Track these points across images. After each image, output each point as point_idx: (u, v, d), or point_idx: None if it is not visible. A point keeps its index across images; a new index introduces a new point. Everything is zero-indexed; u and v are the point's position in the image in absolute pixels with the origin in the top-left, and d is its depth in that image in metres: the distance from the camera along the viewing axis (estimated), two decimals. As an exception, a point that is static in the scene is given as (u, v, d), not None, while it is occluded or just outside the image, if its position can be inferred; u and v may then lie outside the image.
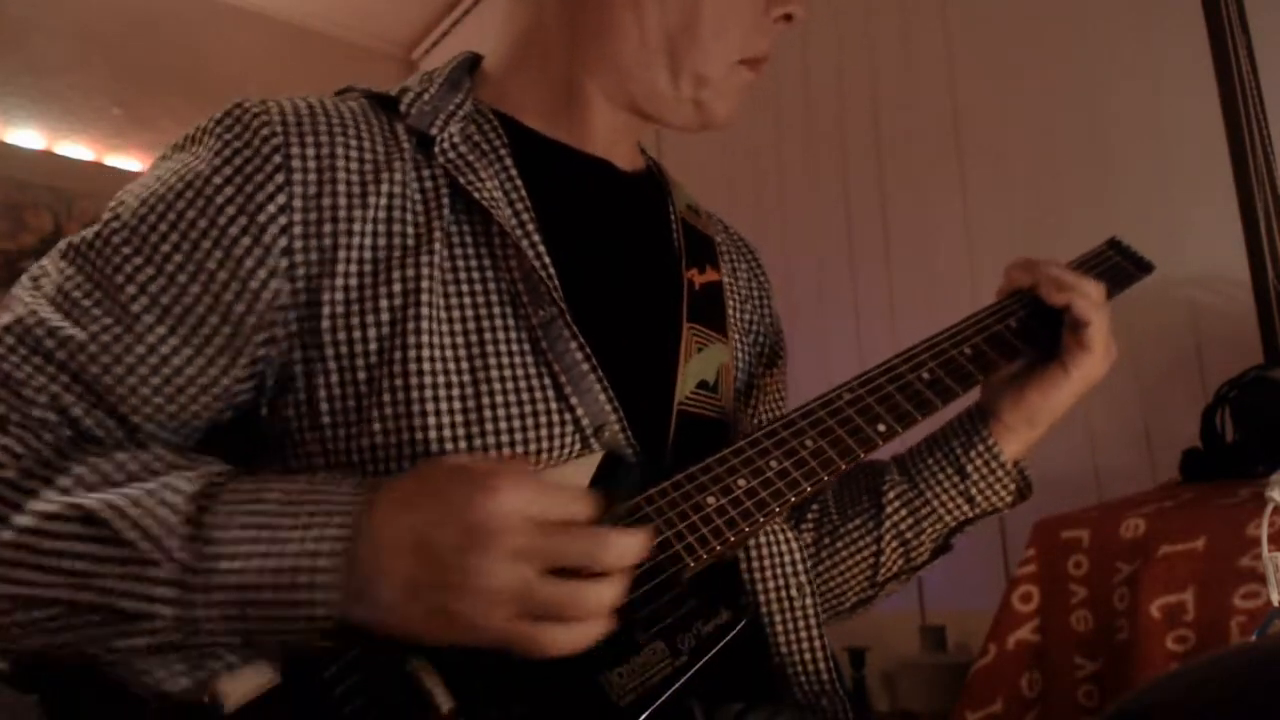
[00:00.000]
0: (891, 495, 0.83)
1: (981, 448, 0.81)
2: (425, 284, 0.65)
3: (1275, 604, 0.79)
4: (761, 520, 0.66)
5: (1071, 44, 1.90)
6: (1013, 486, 0.82)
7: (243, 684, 0.55)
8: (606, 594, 0.55)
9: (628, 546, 0.56)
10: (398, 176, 0.68)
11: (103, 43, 3.01)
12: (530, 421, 0.65)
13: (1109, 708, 0.50)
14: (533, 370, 0.66)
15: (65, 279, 0.63)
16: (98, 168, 2.97)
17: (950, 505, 0.82)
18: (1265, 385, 1.31)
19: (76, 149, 2.99)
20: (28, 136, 2.92)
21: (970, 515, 0.83)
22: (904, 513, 0.83)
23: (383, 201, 0.66)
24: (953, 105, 2.11)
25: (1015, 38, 2.00)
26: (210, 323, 0.62)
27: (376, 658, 0.56)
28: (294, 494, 0.57)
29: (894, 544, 0.84)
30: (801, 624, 0.76)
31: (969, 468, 0.82)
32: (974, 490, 0.82)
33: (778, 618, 0.76)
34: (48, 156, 2.93)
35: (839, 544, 0.85)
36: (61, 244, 0.66)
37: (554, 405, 0.66)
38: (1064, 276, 0.78)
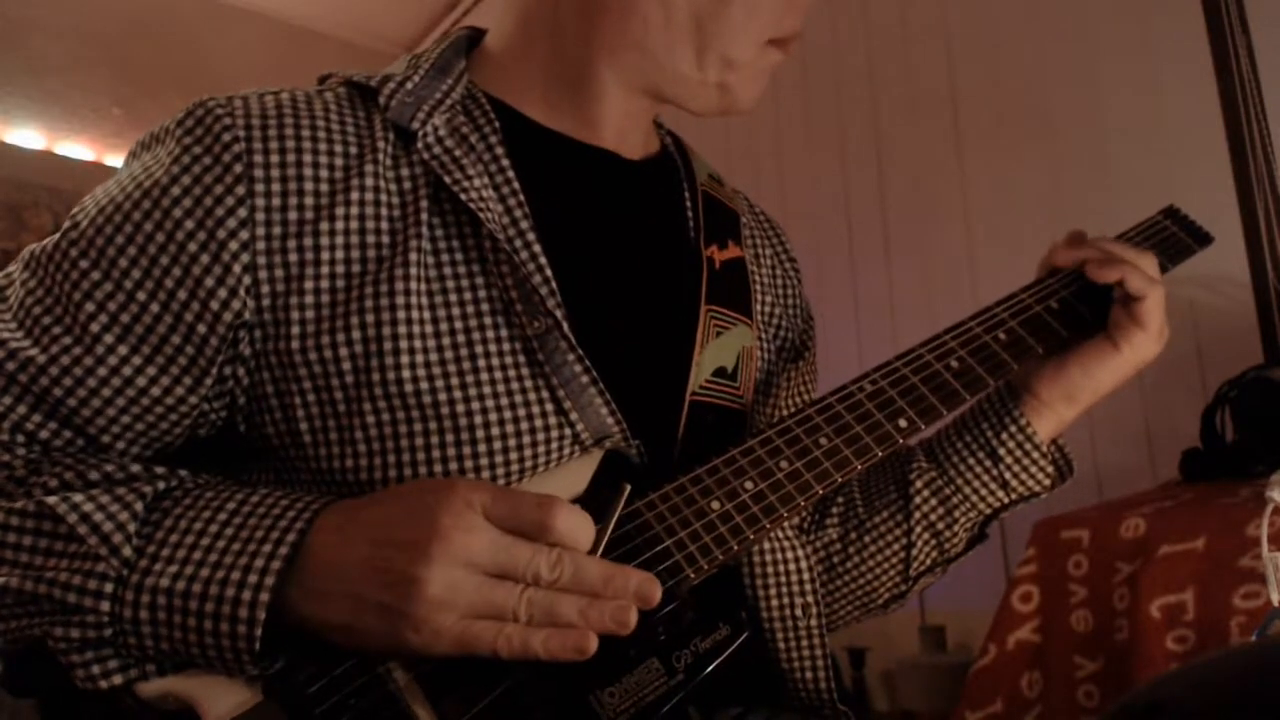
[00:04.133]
0: (919, 484, 0.78)
1: (1014, 428, 0.76)
2: (402, 298, 0.61)
3: (1275, 604, 0.79)
4: (768, 527, 0.62)
5: (1071, 44, 1.90)
6: (1050, 469, 0.77)
7: (223, 701, 0.54)
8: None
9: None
10: (369, 181, 0.63)
11: (103, 43, 3.02)
12: (527, 439, 0.62)
13: (1114, 704, 0.49)
14: (529, 384, 0.62)
15: (27, 293, 0.61)
16: (98, 168, 2.98)
17: (983, 491, 0.77)
18: (1265, 385, 1.31)
19: (76, 149, 3.00)
20: (28, 136, 2.93)
21: (1006, 501, 0.78)
22: (934, 502, 0.78)
23: (354, 210, 0.62)
24: (953, 107, 2.11)
25: (1015, 38, 2.01)
26: (172, 342, 0.60)
27: (360, 676, 0.54)
28: (250, 507, 0.57)
29: (925, 535, 0.79)
30: (805, 644, 0.73)
31: (1001, 450, 0.76)
32: (1008, 474, 0.76)
33: (779, 635, 0.72)
34: (48, 156, 2.94)
35: (866, 539, 0.80)
36: (25, 252, 0.64)
37: (551, 420, 0.62)
38: (1115, 250, 0.74)
